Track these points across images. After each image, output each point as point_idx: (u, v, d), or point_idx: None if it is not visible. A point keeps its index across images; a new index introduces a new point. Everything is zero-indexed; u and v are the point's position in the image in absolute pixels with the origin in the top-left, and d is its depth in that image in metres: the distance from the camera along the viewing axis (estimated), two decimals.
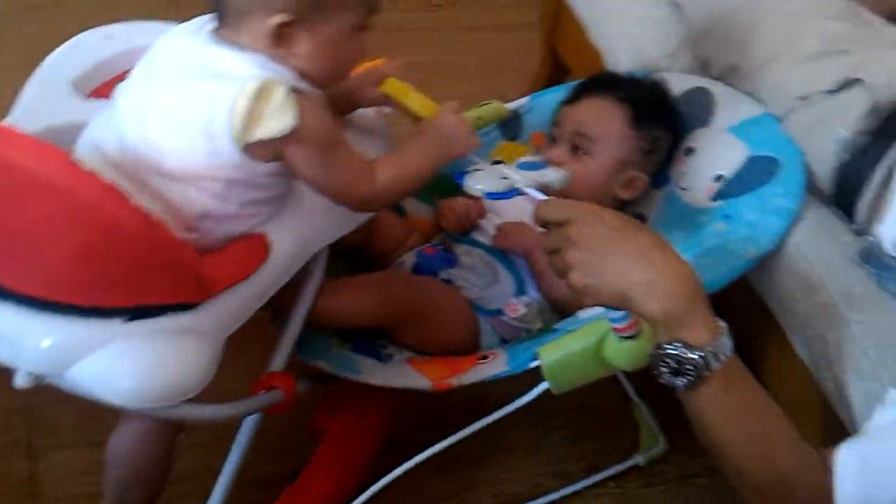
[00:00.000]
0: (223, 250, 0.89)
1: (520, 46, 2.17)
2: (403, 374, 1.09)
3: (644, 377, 1.23)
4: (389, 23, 2.17)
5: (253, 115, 0.84)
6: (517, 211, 1.26)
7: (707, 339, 0.81)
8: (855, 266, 1.10)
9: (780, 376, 1.18)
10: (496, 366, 1.06)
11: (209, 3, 0.91)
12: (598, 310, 1.13)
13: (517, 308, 1.20)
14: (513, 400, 1.04)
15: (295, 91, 0.87)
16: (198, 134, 0.85)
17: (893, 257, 1.08)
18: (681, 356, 0.81)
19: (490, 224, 1.29)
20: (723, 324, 0.84)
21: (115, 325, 0.78)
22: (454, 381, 1.05)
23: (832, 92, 1.20)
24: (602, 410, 1.42)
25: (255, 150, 0.87)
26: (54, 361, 0.78)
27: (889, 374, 0.99)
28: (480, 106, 1.41)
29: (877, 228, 1.12)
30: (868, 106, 1.16)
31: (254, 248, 0.91)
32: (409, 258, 1.25)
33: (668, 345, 0.82)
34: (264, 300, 0.92)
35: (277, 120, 0.85)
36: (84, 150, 0.92)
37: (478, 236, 1.28)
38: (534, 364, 1.03)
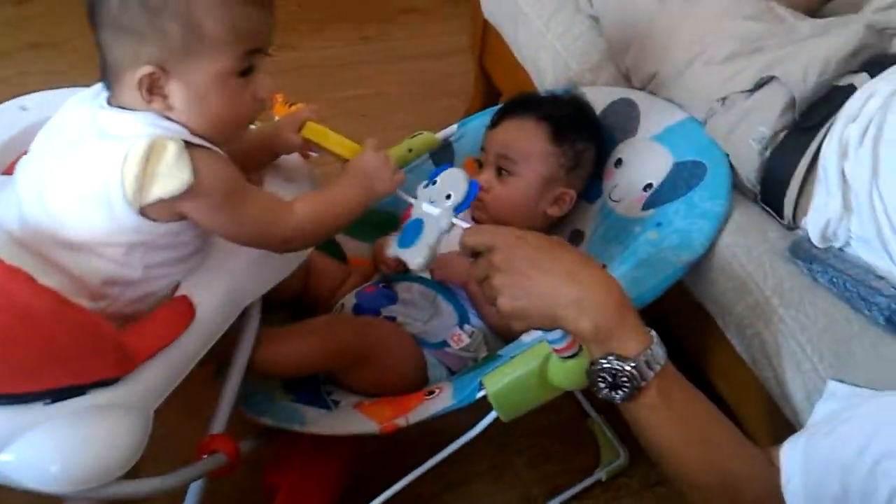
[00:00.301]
0: (145, 318, 0.88)
1: (454, 71, 2.19)
2: (349, 421, 1.08)
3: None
4: (323, 59, 2.22)
5: (146, 174, 0.82)
6: (452, 241, 1.26)
7: (639, 350, 0.82)
8: (785, 262, 1.11)
9: (724, 377, 1.20)
10: (442, 400, 1.06)
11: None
12: (541, 332, 1.14)
13: (461, 338, 1.20)
14: (469, 429, 1.04)
15: (188, 145, 0.84)
16: (93, 200, 0.83)
17: (822, 249, 1.10)
18: (615, 369, 0.82)
19: None
20: (653, 333, 0.85)
21: (37, 410, 0.76)
22: (401, 422, 1.05)
23: (750, 91, 1.22)
24: (562, 429, 1.42)
25: (153, 210, 0.85)
26: None
27: (826, 366, 1.00)
28: (411, 137, 1.42)
29: (803, 222, 1.14)
30: (785, 102, 1.18)
31: (177, 312, 0.89)
32: (349, 299, 1.25)
33: (603, 359, 0.83)
34: (194, 363, 0.90)
35: (172, 177, 0.82)
36: None
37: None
38: (480, 394, 1.03)
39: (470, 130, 1.43)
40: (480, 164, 1.34)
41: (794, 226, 1.17)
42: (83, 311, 0.80)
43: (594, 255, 1.28)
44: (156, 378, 0.85)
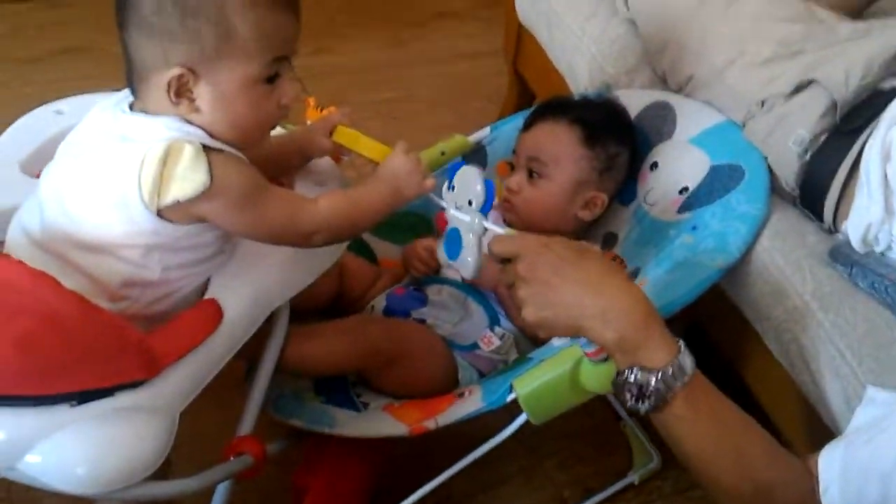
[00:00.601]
0: (173, 321, 0.88)
1: (487, 73, 2.19)
2: (379, 423, 1.08)
3: None
4: (357, 62, 2.23)
5: (163, 177, 0.82)
6: (484, 244, 1.26)
7: (665, 361, 0.81)
8: (824, 266, 1.09)
9: (761, 382, 1.18)
10: (472, 403, 1.05)
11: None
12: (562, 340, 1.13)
13: (492, 341, 1.19)
14: (499, 431, 1.03)
15: (206, 149, 0.84)
16: (111, 203, 0.84)
17: (862, 253, 1.08)
18: (641, 381, 0.81)
19: None
20: (680, 343, 0.83)
21: (64, 411, 0.76)
22: (431, 424, 1.04)
23: (790, 94, 1.20)
24: (594, 432, 1.41)
25: (170, 213, 0.85)
26: (3, 454, 0.76)
27: (865, 371, 0.98)
28: (444, 140, 1.42)
29: (844, 226, 1.12)
30: (826, 105, 1.16)
31: (204, 315, 0.89)
32: (379, 301, 1.25)
33: (628, 370, 0.82)
34: (220, 366, 0.90)
35: (189, 180, 0.83)
36: (14, 234, 0.91)
37: (446, 272, 1.28)
38: (510, 398, 1.02)
39: (502, 134, 1.42)
40: (513, 167, 1.33)
41: (834, 230, 1.14)
42: (108, 314, 0.81)
43: (627, 259, 1.27)
44: (182, 381, 0.85)
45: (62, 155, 0.92)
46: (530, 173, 1.29)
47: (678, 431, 0.84)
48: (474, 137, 1.42)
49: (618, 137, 1.30)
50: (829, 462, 0.81)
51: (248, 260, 0.96)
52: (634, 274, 1.24)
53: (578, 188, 1.28)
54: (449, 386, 1.17)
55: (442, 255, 0.96)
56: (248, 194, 0.87)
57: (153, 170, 0.81)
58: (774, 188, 1.20)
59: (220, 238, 0.93)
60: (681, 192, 1.25)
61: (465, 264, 0.93)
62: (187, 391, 0.85)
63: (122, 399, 0.79)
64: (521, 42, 1.81)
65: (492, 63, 2.18)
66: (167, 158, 0.82)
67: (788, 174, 1.18)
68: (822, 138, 1.15)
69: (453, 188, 0.99)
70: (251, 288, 0.94)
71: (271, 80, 0.87)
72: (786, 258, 1.11)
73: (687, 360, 0.82)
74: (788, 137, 1.17)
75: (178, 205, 0.84)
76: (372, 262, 1.35)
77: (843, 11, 1.39)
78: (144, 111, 0.87)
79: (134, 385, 0.80)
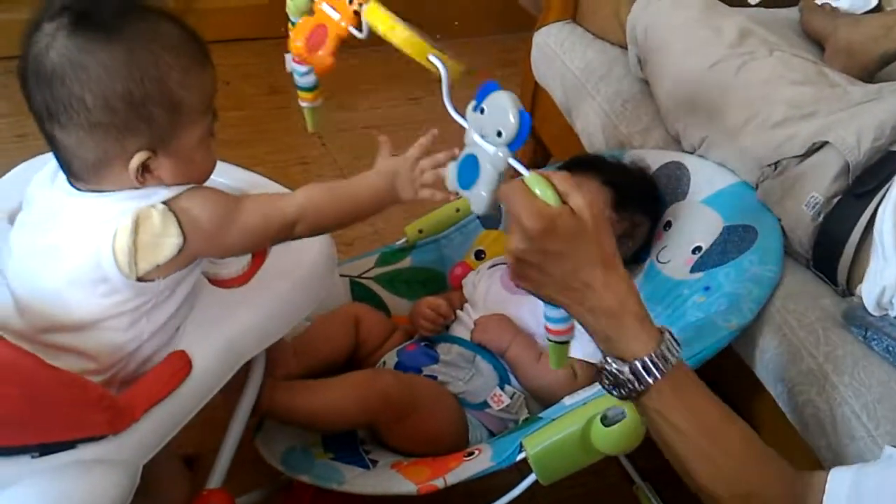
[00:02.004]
0: (142, 376, 0.88)
1: None
2: (388, 481, 1.07)
3: (645, 457, 1.21)
4: (375, 119, 2.26)
5: (138, 247, 0.84)
6: (490, 305, 1.27)
7: (638, 353, 0.81)
8: (838, 328, 1.09)
9: (776, 446, 1.16)
10: (481, 462, 1.05)
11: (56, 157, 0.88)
12: (583, 395, 1.12)
13: (502, 399, 1.19)
14: (507, 491, 1.02)
15: (170, 204, 0.85)
16: (89, 280, 0.85)
17: (877, 317, 1.07)
18: (614, 371, 0.83)
19: (468, 316, 1.29)
20: (665, 335, 0.83)
21: (24, 463, 0.76)
22: (440, 483, 1.03)
23: (802, 156, 1.20)
24: (606, 494, 1.39)
25: (151, 274, 0.86)
26: None
27: (882, 434, 0.97)
28: (459, 198, 1.43)
29: (859, 289, 1.11)
30: (839, 167, 1.16)
31: (173, 367, 0.89)
32: (391, 357, 1.25)
33: (606, 358, 0.84)
34: (189, 417, 0.89)
35: (164, 245, 0.84)
36: None
37: (457, 329, 1.28)
38: (520, 457, 1.02)
39: None
40: None
41: (847, 293, 1.14)
42: (68, 372, 0.80)
43: None
44: (147, 433, 0.84)
45: (22, 244, 0.90)
46: None
47: (653, 425, 0.84)
48: None
49: (645, 208, 1.31)
50: (840, 477, 0.80)
51: (221, 310, 0.95)
52: None
53: None
54: (459, 444, 1.16)
55: (452, 180, 0.86)
56: (220, 222, 0.88)
57: (126, 242, 0.83)
58: (787, 250, 1.20)
59: (192, 272, 0.93)
60: (694, 251, 1.25)
61: (479, 198, 0.83)
62: (152, 444, 0.85)
63: (85, 451, 0.79)
64: (536, 101, 1.83)
65: None
66: (138, 228, 0.83)
67: (802, 236, 1.18)
68: (835, 200, 1.16)
69: (482, 111, 0.84)
70: (223, 339, 0.94)
71: (211, 134, 0.90)
72: (799, 320, 1.11)
73: (667, 352, 0.82)
74: (801, 199, 1.18)
75: (158, 267, 0.85)
76: (387, 317, 1.35)
77: (855, 74, 1.41)
78: (99, 190, 0.86)
79: (98, 438, 0.80)
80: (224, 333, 0.94)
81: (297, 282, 1.03)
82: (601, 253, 0.82)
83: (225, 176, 1.11)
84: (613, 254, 0.84)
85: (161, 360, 0.91)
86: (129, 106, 0.81)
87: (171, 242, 0.84)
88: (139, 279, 0.85)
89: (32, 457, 0.77)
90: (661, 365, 0.81)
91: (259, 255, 1.03)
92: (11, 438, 0.76)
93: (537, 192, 0.80)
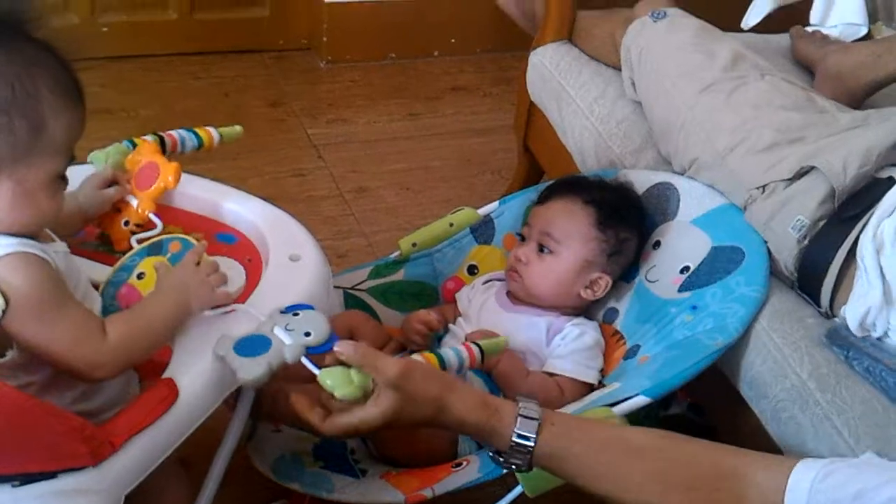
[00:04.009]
0: (128, 405, 0.86)
1: (497, 148, 2.24)
2: (377, 490, 1.09)
3: None
4: (372, 133, 2.29)
5: None
6: (488, 317, 1.31)
7: (507, 434, 0.88)
8: (822, 347, 1.11)
9: None
10: (469, 473, 1.06)
11: None
12: (571, 408, 1.14)
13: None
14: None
15: None
16: None
17: (859, 337, 1.09)
18: (504, 459, 0.91)
19: (461, 329, 1.31)
20: (520, 407, 0.90)
21: (6, 491, 0.75)
22: (427, 493, 1.05)
23: (790, 180, 1.23)
24: None
25: None
26: None
27: (863, 449, 0.99)
28: (453, 213, 1.46)
29: (842, 310, 1.14)
30: (825, 192, 1.19)
31: (159, 395, 0.86)
32: None
33: (491, 454, 0.94)
34: (175, 446, 0.87)
35: None
36: None
37: (449, 342, 1.30)
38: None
39: (511, 207, 1.45)
40: (522, 238, 1.36)
41: (830, 314, 1.17)
42: (49, 403, 0.80)
43: (627, 335, 1.30)
44: (130, 462, 0.83)
45: None
46: (541, 247, 1.31)
47: (559, 468, 0.89)
48: (483, 210, 1.45)
49: (630, 223, 1.33)
50: (804, 469, 0.81)
51: (211, 335, 0.92)
52: (634, 351, 1.26)
53: (585, 268, 1.30)
54: (448, 454, 1.17)
55: (227, 346, 0.89)
56: (44, 301, 0.82)
57: None
58: (773, 271, 1.22)
59: None
60: (682, 271, 1.28)
61: (254, 369, 0.87)
62: (136, 473, 0.84)
63: (66, 481, 0.78)
64: (531, 119, 1.85)
65: (502, 138, 2.24)
66: None
67: (787, 258, 1.20)
68: (821, 224, 1.19)
69: (295, 315, 0.93)
70: (212, 365, 0.90)
71: (62, 179, 0.86)
72: (784, 339, 1.13)
73: (527, 420, 0.88)
74: (788, 222, 1.21)
75: None
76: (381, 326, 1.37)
77: (844, 101, 1.44)
78: None
79: (78, 468, 0.79)
80: (213, 361, 0.90)
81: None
82: (428, 398, 0.90)
83: (245, 207, 1.13)
84: (442, 387, 0.91)
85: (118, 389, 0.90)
86: None
87: None
88: None
89: (13, 486, 0.76)
90: (529, 426, 0.88)
91: (252, 279, 1.02)
92: None
93: (329, 383, 0.87)
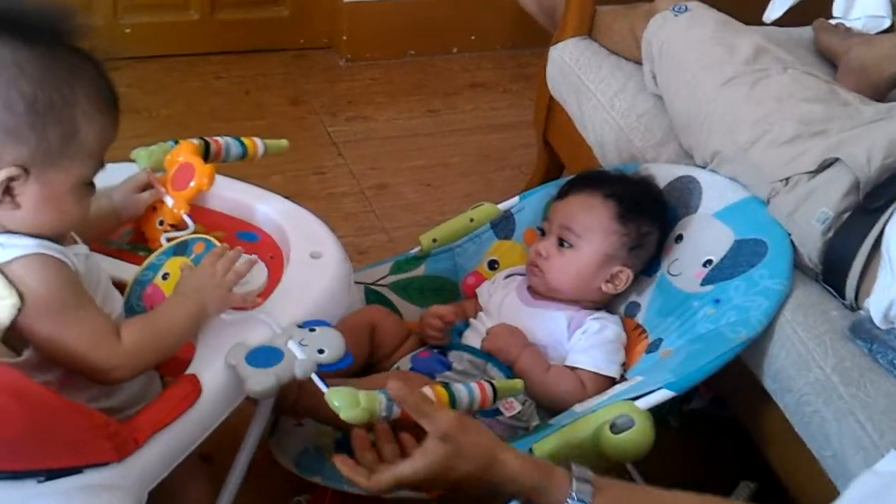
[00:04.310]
0: (151, 402, 0.87)
1: (516, 144, 2.24)
2: None
3: (655, 467, 1.23)
4: (392, 130, 2.29)
5: None
6: (504, 314, 1.30)
7: (562, 498, 0.87)
8: (846, 341, 1.10)
9: (782, 456, 1.18)
10: None
11: None
12: (593, 402, 1.14)
13: (513, 405, 1.20)
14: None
15: (3, 268, 0.81)
16: None
17: (883, 330, 1.09)
18: None
19: (482, 324, 1.31)
20: (570, 467, 0.89)
21: (30, 487, 0.76)
22: None
23: (813, 172, 1.22)
24: None
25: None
26: None
27: (887, 444, 0.99)
28: (473, 208, 1.46)
29: (866, 303, 1.13)
30: (849, 183, 1.18)
31: (182, 391, 0.87)
32: (404, 363, 1.26)
33: None
34: (198, 442, 0.88)
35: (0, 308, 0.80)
36: None
37: (470, 336, 1.31)
38: None
39: (531, 202, 1.45)
40: (543, 233, 1.36)
41: (855, 307, 1.16)
42: (71, 400, 0.80)
43: (649, 329, 1.29)
44: (154, 458, 0.83)
45: None
46: (561, 241, 1.31)
47: None
48: (503, 206, 1.45)
49: (651, 216, 1.33)
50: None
51: (233, 333, 0.93)
52: (656, 344, 1.25)
53: (606, 262, 1.30)
54: None
55: (240, 357, 0.89)
56: (61, 303, 0.83)
57: None
58: (797, 264, 1.22)
59: None
60: (704, 264, 1.27)
61: (262, 381, 0.88)
62: (159, 468, 0.84)
63: (90, 477, 0.78)
64: (551, 113, 1.85)
65: (521, 134, 2.24)
66: None
67: (811, 251, 1.19)
68: (845, 216, 1.18)
69: (312, 331, 0.94)
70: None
71: (89, 185, 0.87)
72: (808, 332, 1.12)
73: (583, 476, 0.88)
74: (812, 215, 1.20)
75: (10, 332, 0.82)
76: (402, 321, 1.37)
77: (867, 94, 1.43)
78: None
79: (103, 464, 0.79)
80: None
81: (312, 303, 1.00)
82: (478, 453, 0.89)
83: (267, 205, 1.13)
84: (494, 443, 0.91)
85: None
86: (29, 111, 0.78)
87: (6, 304, 0.80)
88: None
89: (38, 481, 0.76)
90: (585, 490, 0.87)
91: (274, 276, 1.03)
92: (18, 463, 0.76)
93: (336, 403, 0.88)
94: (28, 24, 0.80)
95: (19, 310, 0.81)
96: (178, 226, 1.08)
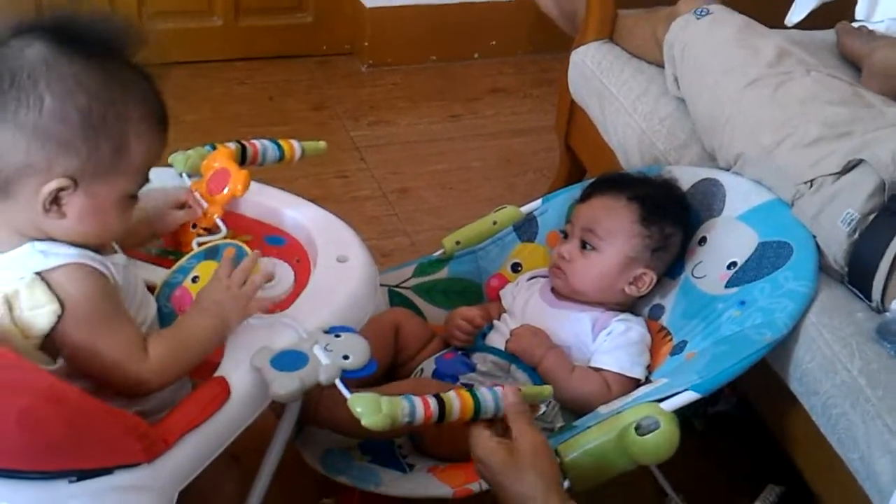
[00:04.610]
0: (181, 403, 0.87)
1: (537, 148, 2.25)
2: (424, 484, 1.09)
3: (680, 470, 1.23)
4: (414, 134, 2.31)
5: (18, 325, 0.82)
6: (528, 315, 1.31)
7: None
8: (872, 342, 1.10)
9: (808, 459, 1.17)
10: None
11: None
12: (618, 404, 1.14)
13: (538, 407, 1.20)
14: None
15: (45, 275, 0.82)
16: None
17: None
18: None
19: (505, 326, 1.32)
20: None
21: (61, 487, 0.76)
22: (475, 487, 1.05)
23: (837, 174, 1.22)
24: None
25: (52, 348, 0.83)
26: None
27: None
28: (496, 211, 1.46)
29: (892, 304, 1.12)
30: (875, 184, 1.18)
31: (211, 393, 0.87)
32: (428, 364, 1.27)
33: None
34: (226, 444, 0.88)
35: (40, 314, 0.82)
36: None
37: (493, 338, 1.31)
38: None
39: (554, 205, 1.46)
40: (565, 235, 1.36)
41: (882, 309, 1.15)
42: (103, 404, 0.80)
43: (674, 331, 1.29)
44: (183, 459, 0.84)
45: None
46: (583, 244, 1.32)
47: None
48: (526, 208, 1.46)
49: (674, 219, 1.33)
50: None
51: (262, 335, 0.93)
52: (681, 346, 1.25)
53: (629, 264, 1.30)
54: None
55: (265, 361, 0.89)
56: (97, 312, 0.84)
57: (6, 322, 0.82)
58: (822, 266, 1.21)
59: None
60: (729, 266, 1.27)
61: (287, 384, 0.87)
62: (188, 470, 0.84)
63: (121, 478, 0.79)
64: (572, 118, 1.86)
65: (542, 138, 2.25)
66: (11, 307, 0.82)
67: (837, 252, 1.19)
68: (871, 218, 1.17)
69: (338, 336, 0.93)
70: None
71: (133, 198, 0.88)
72: (834, 334, 1.12)
73: None
74: (837, 216, 1.19)
75: (48, 339, 0.83)
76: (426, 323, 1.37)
77: (892, 96, 1.42)
78: None
79: (133, 465, 0.80)
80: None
81: (338, 307, 1.00)
82: (527, 486, 0.90)
83: (294, 209, 1.13)
84: (545, 486, 0.91)
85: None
86: (83, 124, 0.80)
87: (47, 310, 0.82)
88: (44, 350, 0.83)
89: (70, 481, 0.77)
90: None
91: (300, 280, 1.03)
92: (51, 464, 0.76)
93: (358, 409, 0.87)
94: (86, 38, 0.81)
95: (59, 317, 0.82)
96: (211, 230, 1.09)
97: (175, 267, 1.02)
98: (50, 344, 0.83)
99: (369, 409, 0.88)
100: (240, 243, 1.03)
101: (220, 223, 1.08)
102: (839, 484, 1.10)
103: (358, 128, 2.32)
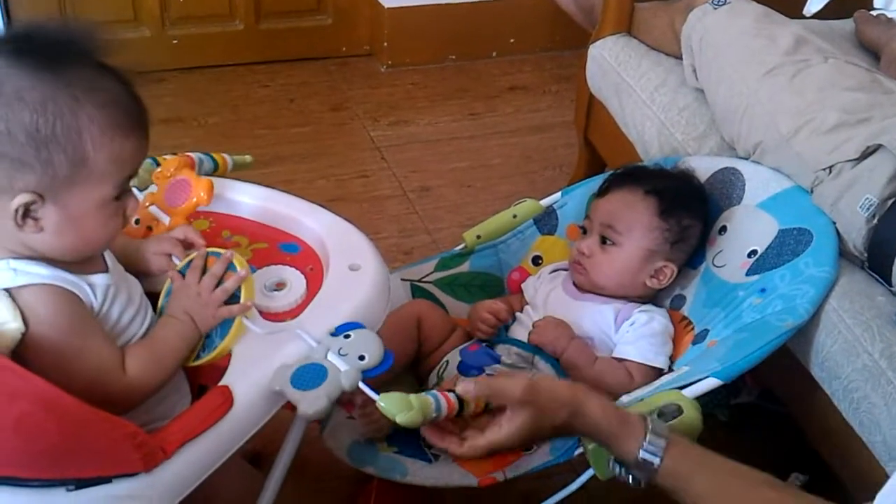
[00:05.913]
0: (182, 412, 0.87)
1: (557, 144, 2.26)
2: (449, 473, 1.10)
3: None
4: (433, 133, 2.32)
5: None
6: (550, 307, 1.32)
7: (633, 449, 0.90)
8: (893, 326, 1.10)
9: (831, 444, 1.17)
10: (540, 456, 1.08)
11: None
12: (640, 392, 1.15)
13: None
14: (565, 486, 1.05)
15: (11, 291, 0.82)
16: None
17: None
18: (621, 474, 0.94)
19: (528, 318, 1.33)
20: (646, 421, 0.92)
21: (59, 495, 0.76)
22: (499, 476, 1.06)
23: (856, 160, 1.22)
24: (660, 496, 1.39)
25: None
26: None
27: None
28: (516, 205, 1.47)
29: None
30: (893, 169, 1.17)
31: (213, 403, 0.86)
32: (453, 356, 1.28)
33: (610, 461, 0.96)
34: (228, 454, 0.87)
35: (8, 331, 0.81)
36: None
37: (516, 330, 1.32)
38: (578, 451, 1.05)
39: (573, 198, 1.46)
40: (584, 230, 1.37)
41: None
42: (100, 410, 0.80)
43: (695, 320, 1.30)
44: (182, 469, 0.83)
45: None
46: (603, 239, 1.32)
47: (680, 499, 0.89)
48: (546, 202, 1.47)
49: (692, 210, 1.33)
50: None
51: (269, 344, 0.92)
52: (703, 335, 1.26)
53: (649, 257, 1.31)
54: None
55: (285, 381, 0.88)
56: (67, 334, 0.84)
57: None
58: (842, 252, 1.21)
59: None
60: (749, 255, 1.27)
61: (315, 403, 0.86)
62: (189, 480, 0.84)
63: (119, 487, 0.78)
64: (591, 112, 1.87)
65: (562, 134, 2.26)
66: None
67: (856, 238, 1.19)
68: (890, 203, 1.17)
69: (347, 337, 0.93)
70: (269, 374, 0.89)
71: (119, 196, 0.87)
72: (854, 318, 1.12)
73: (656, 438, 0.90)
74: (856, 202, 1.19)
75: (16, 355, 0.82)
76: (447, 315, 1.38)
77: None
78: None
79: (131, 474, 0.80)
80: (271, 368, 0.90)
81: (348, 316, 0.98)
82: (560, 406, 0.93)
83: (308, 216, 1.12)
84: (573, 392, 0.94)
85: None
86: (31, 141, 0.79)
87: (11, 328, 0.81)
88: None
89: (68, 490, 0.76)
90: (658, 443, 0.90)
91: (313, 288, 1.03)
92: (49, 472, 0.76)
93: (390, 409, 0.88)
94: (42, 50, 0.80)
95: (23, 335, 0.82)
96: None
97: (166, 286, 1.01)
98: (20, 360, 0.82)
99: (400, 406, 0.89)
100: (218, 250, 0.99)
101: (157, 212, 1.06)
102: (863, 468, 1.10)
103: (378, 128, 2.34)
